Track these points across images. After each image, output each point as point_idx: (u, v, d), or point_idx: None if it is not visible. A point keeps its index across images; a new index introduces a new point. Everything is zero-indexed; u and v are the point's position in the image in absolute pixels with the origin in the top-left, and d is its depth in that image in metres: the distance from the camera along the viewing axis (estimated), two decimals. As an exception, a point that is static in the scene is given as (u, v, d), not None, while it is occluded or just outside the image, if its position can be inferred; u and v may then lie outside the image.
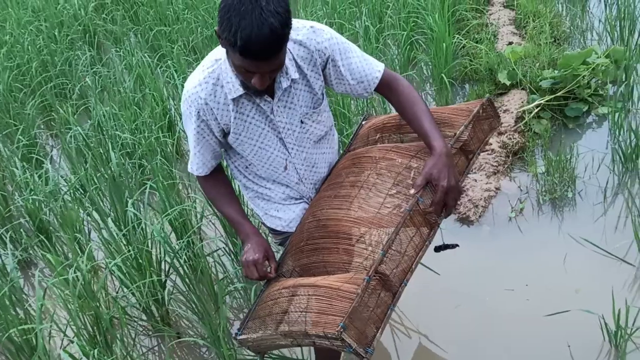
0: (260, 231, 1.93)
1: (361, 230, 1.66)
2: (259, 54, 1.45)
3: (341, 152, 2.12)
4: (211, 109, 1.72)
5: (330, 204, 1.78)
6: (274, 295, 1.74)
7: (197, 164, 1.87)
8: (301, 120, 1.81)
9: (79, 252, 2.91)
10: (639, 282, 2.34)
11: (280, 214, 1.98)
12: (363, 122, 2.15)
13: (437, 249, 1.93)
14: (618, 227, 2.60)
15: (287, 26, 1.47)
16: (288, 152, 1.84)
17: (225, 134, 1.80)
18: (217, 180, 1.95)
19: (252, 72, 1.52)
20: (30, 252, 3.39)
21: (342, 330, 1.44)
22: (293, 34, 1.70)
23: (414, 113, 1.76)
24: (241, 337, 1.78)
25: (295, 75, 1.71)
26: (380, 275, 1.57)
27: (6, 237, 3.14)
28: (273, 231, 2.07)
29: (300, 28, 1.72)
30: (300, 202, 1.98)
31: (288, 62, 1.69)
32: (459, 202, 1.70)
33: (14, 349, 2.53)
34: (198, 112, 1.73)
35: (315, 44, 1.72)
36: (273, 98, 1.73)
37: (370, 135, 2.05)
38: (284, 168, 1.88)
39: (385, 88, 1.84)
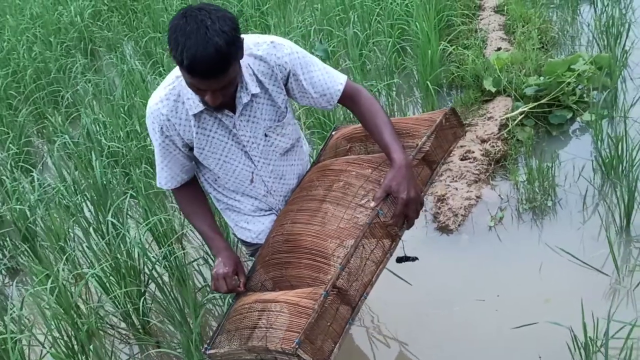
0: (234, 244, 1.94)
1: (322, 245, 1.67)
2: (205, 73, 1.48)
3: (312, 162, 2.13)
4: (173, 125, 1.74)
5: (294, 217, 1.80)
6: (240, 310, 1.75)
7: (165, 177, 1.90)
8: (265, 134, 1.82)
9: (64, 260, 2.93)
10: (613, 292, 2.33)
11: (250, 225, 2.00)
12: (333, 133, 2.16)
13: (399, 259, 1.93)
14: (597, 237, 2.57)
15: (232, 44, 1.49)
16: (254, 165, 1.86)
17: (191, 149, 1.82)
18: (191, 194, 1.96)
19: (202, 89, 1.55)
20: (20, 259, 3.42)
21: (296, 346, 1.45)
22: (254, 49, 1.72)
23: (374, 124, 1.77)
24: (210, 351, 1.79)
25: (256, 90, 1.73)
26: (338, 289, 1.57)
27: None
28: (244, 242, 2.09)
29: (261, 43, 1.73)
30: (269, 214, 1.99)
31: (248, 78, 1.71)
32: (420, 213, 1.74)
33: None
34: (161, 128, 1.75)
35: (276, 59, 1.73)
36: (235, 112, 1.74)
37: (340, 146, 2.06)
38: (250, 181, 1.89)
39: (348, 100, 1.85)
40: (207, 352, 1.80)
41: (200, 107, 1.70)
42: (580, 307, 2.03)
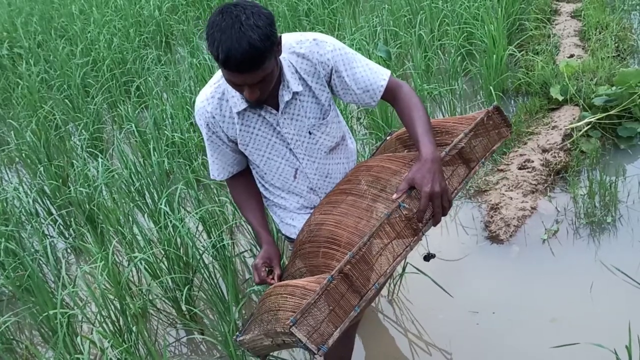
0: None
1: (339, 234, 1.68)
2: (240, 67, 1.50)
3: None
4: (218, 123, 1.79)
5: (320, 209, 1.82)
6: (263, 298, 1.78)
7: (216, 169, 1.96)
8: (309, 131, 1.84)
9: (114, 243, 3.05)
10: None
11: (295, 222, 2.02)
12: (387, 138, 2.15)
13: (426, 258, 1.90)
14: (659, 258, 2.43)
15: (267, 39, 1.50)
16: (299, 161, 1.88)
17: (237, 143, 1.86)
18: (242, 185, 2.01)
19: (239, 84, 1.57)
20: (83, 240, 3.59)
21: (290, 324, 1.45)
22: (296, 48, 1.73)
23: (410, 118, 1.74)
24: (240, 338, 1.84)
25: (298, 88, 1.74)
26: (345, 275, 1.56)
27: (54, 226, 3.34)
28: (288, 238, 2.11)
29: (304, 41, 1.74)
30: (314, 211, 2.00)
31: (290, 76, 1.72)
32: (448, 210, 1.69)
33: (50, 332, 2.71)
34: (207, 124, 1.81)
35: (318, 57, 1.74)
36: (278, 110, 1.77)
37: (390, 147, 2.05)
38: (293, 177, 1.91)
39: (390, 96, 1.83)
40: (238, 340, 1.84)
41: (244, 104, 1.73)
42: (628, 330, 1.92)
